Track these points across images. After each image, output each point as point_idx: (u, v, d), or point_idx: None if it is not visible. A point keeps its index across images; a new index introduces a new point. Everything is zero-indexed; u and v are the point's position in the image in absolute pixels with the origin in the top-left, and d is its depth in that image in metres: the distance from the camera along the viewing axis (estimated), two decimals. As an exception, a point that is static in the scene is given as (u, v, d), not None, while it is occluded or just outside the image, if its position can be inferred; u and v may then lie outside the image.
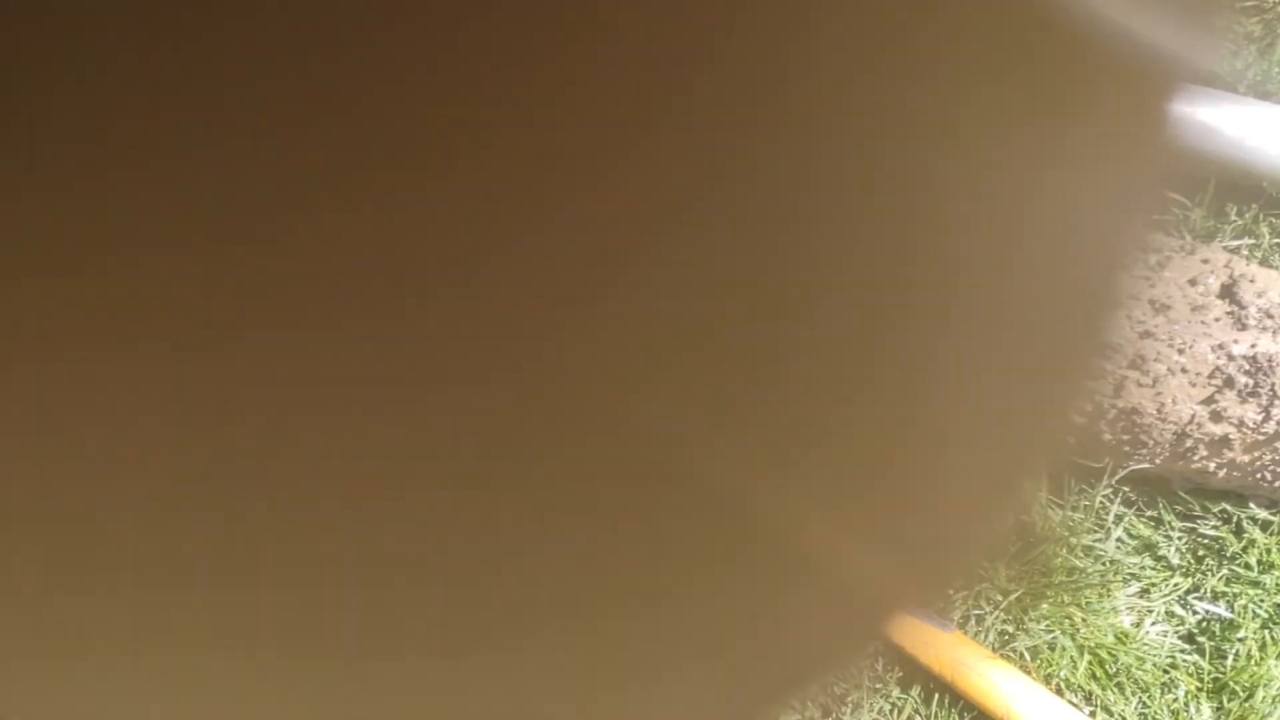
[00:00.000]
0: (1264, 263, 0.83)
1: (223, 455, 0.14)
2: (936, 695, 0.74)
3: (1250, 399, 0.69)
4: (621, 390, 0.15)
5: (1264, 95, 0.88)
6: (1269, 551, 0.75)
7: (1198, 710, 0.74)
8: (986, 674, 0.73)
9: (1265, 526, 0.75)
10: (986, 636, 0.75)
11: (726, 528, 0.17)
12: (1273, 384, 0.68)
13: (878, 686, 0.75)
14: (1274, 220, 0.85)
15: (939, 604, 0.70)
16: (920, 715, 0.74)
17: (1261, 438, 0.70)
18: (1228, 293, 0.71)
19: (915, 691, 0.75)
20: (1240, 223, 0.84)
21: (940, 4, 0.14)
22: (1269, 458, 0.70)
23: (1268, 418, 0.69)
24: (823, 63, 0.13)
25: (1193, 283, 0.71)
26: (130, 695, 0.17)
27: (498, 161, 0.12)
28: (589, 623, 0.18)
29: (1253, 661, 0.74)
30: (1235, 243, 0.84)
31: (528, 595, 0.17)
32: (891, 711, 0.74)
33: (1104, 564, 0.76)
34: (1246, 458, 0.71)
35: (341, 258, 0.13)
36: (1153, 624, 0.76)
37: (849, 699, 0.74)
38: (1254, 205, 0.85)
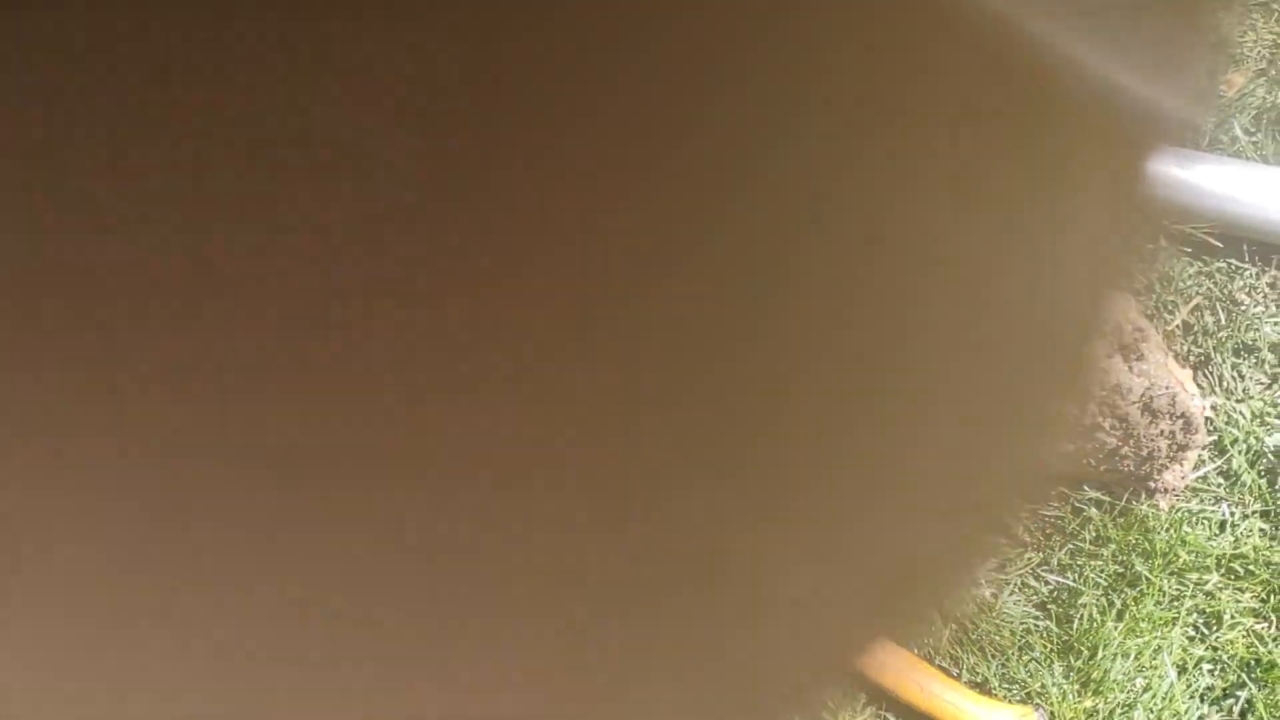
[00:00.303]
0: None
1: (219, 463, 0.14)
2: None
3: (1083, 411, 0.83)
4: (611, 424, 0.15)
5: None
6: (1104, 527, 0.89)
7: (1049, 669, 0.88)
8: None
9: (1099, 505, 0.90)
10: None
11: (707, 564, 0.18)
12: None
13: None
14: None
15: (906, 638, 0.82)
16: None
17: (1081, 429, 0.84)
18: (1049, 306, 0.85)
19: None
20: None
21: (932, 66, 0.14)
22: (1090, 446, 0.85)
23: (1083, 412, 0.83)
24: (813, 118, 0.14)
25: (1020, 298, 0.85)
26: (124, 696, 0.17)
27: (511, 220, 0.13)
28: (563, 654, 0.18)
29: (1095, 624, 0.88)
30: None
31: (518, 611, 0.17)
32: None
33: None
34: (1071, 447, 0.85)
35: (353, 272, 0.13)
36: (1009, 595, 0.90)
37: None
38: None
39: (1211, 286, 0.96)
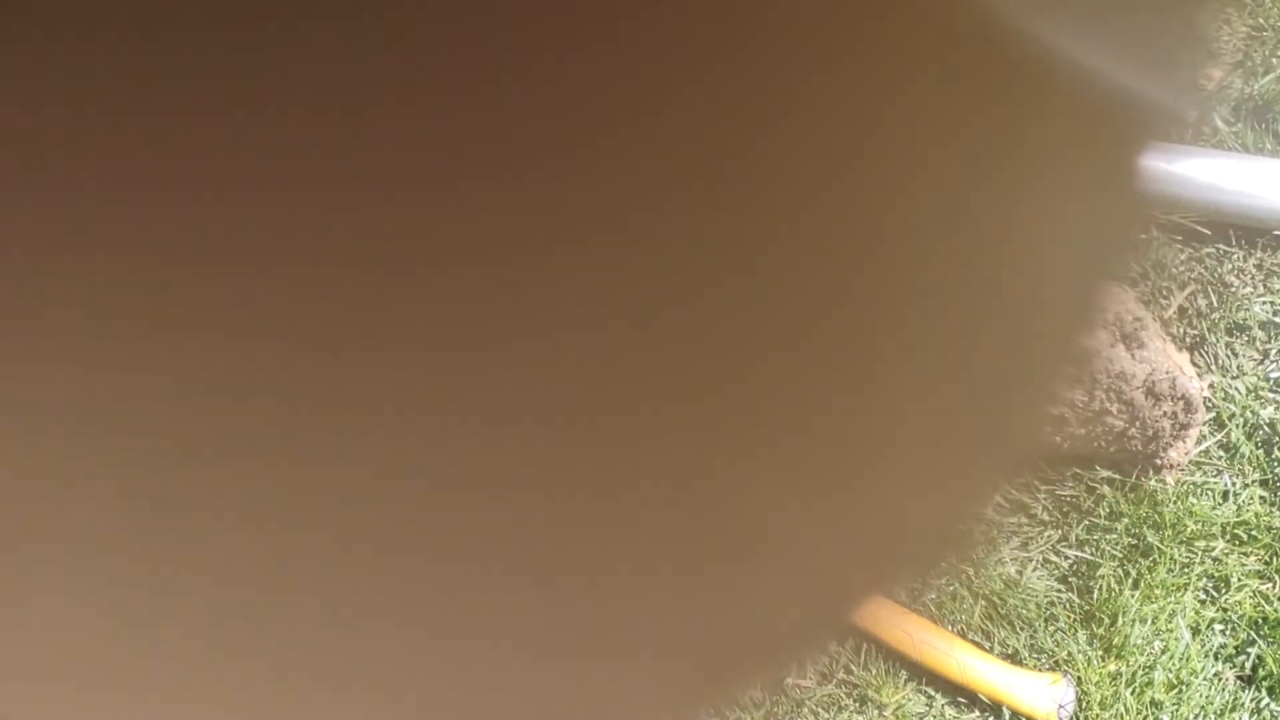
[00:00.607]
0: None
1: (216, 458, 0.14)
2: (864, 647, 0.98)
3: (1076, 385, 0.93)
4: (598, 378, 0.15)
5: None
6: (1117, 503, 0.99)
7: (1074, 637, 0.98)
8: (901, 625, 0.96)
9: (1110, 483, 1.00)
10: (898, 594, 0.98)
11: (700, 515, 0.18)
12: (1092, 371, 0.93)
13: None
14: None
15: (899, 588, 0.91)
16: (853, 665, 0.97)
17: (1091, 414, 0.94)
18: (1054, 302, 0.95)
19: (847, 645, 0.98)
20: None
21: (929, 67, 0.15)
22: (1100, 429, 0.95)
23: (1092, 399, 0.93)
24: (816, 117, 0.14)
25: (1027, 296, 0.95)
26: (121, 696, 0.17)
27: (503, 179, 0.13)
28: (568, 603, 0.18)
29: (1113, 594, 0.98)
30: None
31: (508, 572, 0.17)
32: (830, 664, 0.98)
33: (987, 525, 1.00)
34: (1083, 431, 0.95)
35: (347, 265, 0.13)
36: (1033, 571, 0.99)
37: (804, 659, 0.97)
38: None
39: (1202, 271, 1.06)
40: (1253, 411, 1.03)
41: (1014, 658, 0.98)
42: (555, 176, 0.14)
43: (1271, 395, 1.03)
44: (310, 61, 0.12)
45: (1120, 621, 0.98)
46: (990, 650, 0.98)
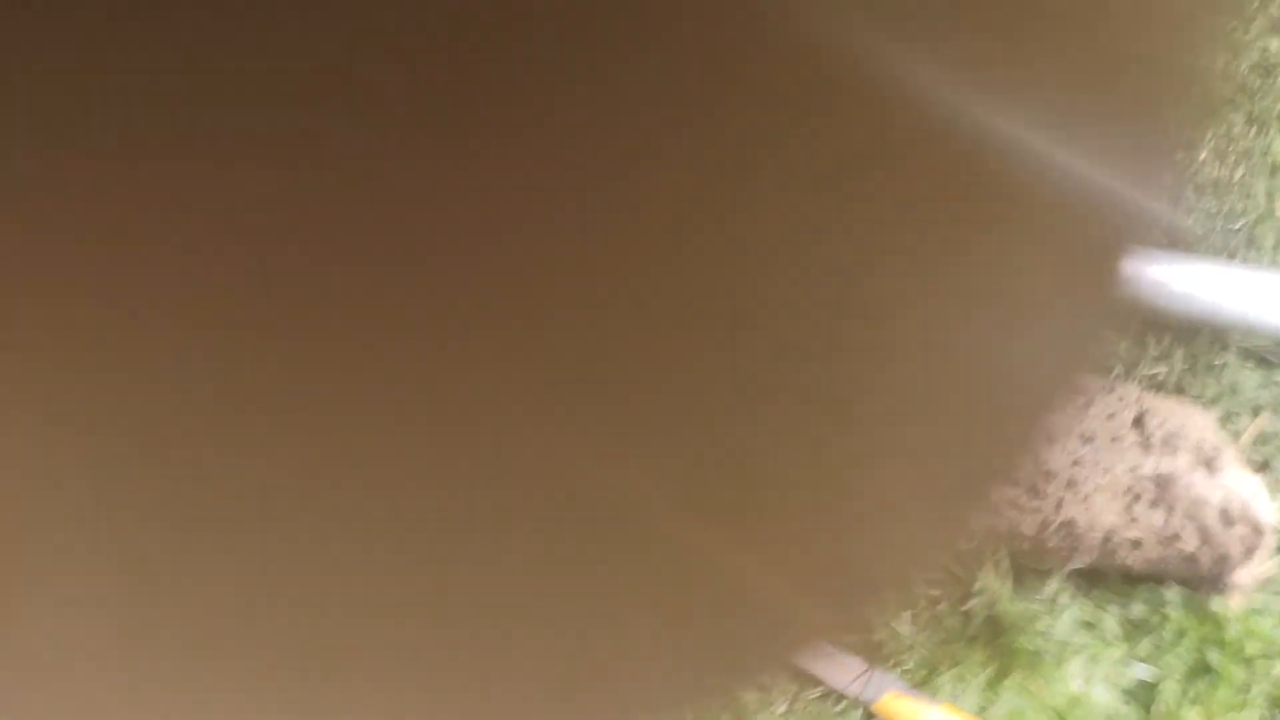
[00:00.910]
0: (1178, 384, 1.13)
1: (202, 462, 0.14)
2: (930, 754, 1.01)
3: (1156, 508, 0.98)
4: (552, 425, 0.16)
5: (1196, 250, 1.18)
6: (1182, 622, 1.04)
7: (1135, 753, 1.02)
8: (969, 734, 1.00)
9: (1177, 603, 1.04)
10: (968, 707, 1.02)
11: (656, 558, 0.19)
12: (1173, 495, 0.97)
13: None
14: (1184, 348, 1.15)
15: (850, 635, 0.92)
16: (918, 771, 1.01)
17: (1167, 537, 0.99)
18: (1137, 424, 1.00)
19: (913, 752, 1.02)
20: (1156, 352, 1.14)
21: (911, 166, 0.15)
22: (1173, 551, 0.99)
23: (1169, 522, 0.98)
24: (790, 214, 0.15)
25: (1110, 417, 1.00)
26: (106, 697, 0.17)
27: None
28: (533, 648, 0.19)
29: (1173, 712, 1.03)
30: (1154, 369, 1.14)
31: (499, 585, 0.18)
32: (895, 770, 1.02)
33: (1058, 642, 1.04)
34: (1157, 553, 1.00)
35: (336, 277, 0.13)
36: (1096, 686, 1.04)
37: (861, 762, 1.01)
38: (1167, 336, 1.16)
39: (1271, 397, 1.11)
40: (1313, 535, 1.08)
41: (1076, 770, 1.02)
42: (529, 233, 0.14)
43: (1330, 519, 1.09)
44: (306, 53, 0.12)
45: (1180, 739, 1.02)
46: (1053, 762, 1.02)
